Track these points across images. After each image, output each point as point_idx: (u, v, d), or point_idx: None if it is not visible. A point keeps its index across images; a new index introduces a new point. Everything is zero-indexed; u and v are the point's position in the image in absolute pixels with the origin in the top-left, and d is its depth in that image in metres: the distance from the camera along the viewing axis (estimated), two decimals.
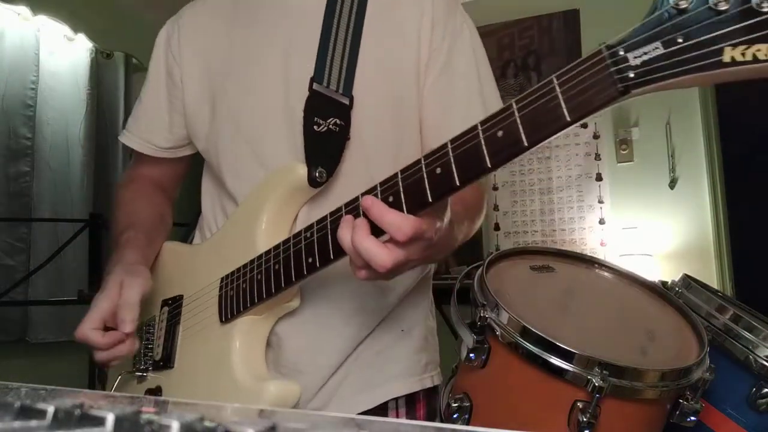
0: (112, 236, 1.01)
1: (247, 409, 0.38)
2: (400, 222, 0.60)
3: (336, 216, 0.69)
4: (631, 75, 0.45)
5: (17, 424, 0.28)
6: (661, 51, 0.43)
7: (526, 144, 0.52)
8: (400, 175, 0.62)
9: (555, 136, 0.52)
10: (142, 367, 0.98)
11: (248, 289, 0.82)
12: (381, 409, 0.91)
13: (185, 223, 1.99)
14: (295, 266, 0.75)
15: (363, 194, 0.65)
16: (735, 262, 2.95)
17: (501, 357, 0.92)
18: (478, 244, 3.34)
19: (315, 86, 0.82)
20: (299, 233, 0.75)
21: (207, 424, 0.26)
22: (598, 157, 3.13)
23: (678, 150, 2.98)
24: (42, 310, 2.79)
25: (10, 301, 2.54)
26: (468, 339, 0.93)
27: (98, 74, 3.21)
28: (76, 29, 3.12)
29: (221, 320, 0.86)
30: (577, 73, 0.49)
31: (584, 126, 3.16)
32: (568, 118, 0.49)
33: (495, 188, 3.33)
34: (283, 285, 0.77)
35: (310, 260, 0.72)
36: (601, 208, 3.10)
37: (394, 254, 0.61)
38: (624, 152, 3.07)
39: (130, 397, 0.42)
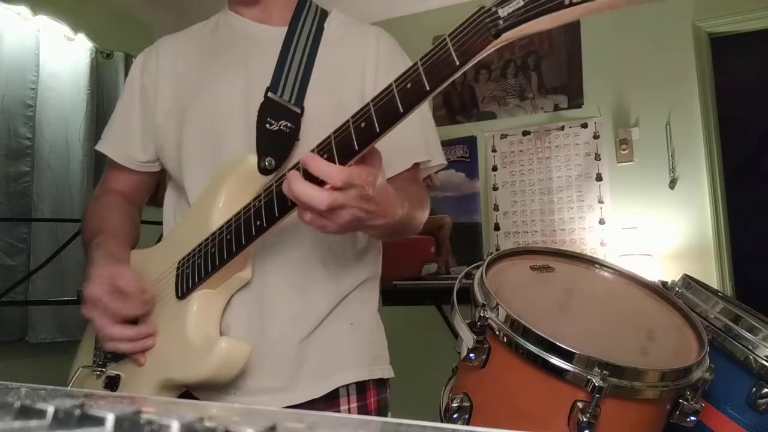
0: (84, 250, 1.06)
1: (247, 409, 0.38)
2: (334, 170, 0.71)
3: (280, 180, 0.78)
4: (501, 23, 0.59)
5: (17, 424, 0.28)
6: (521, 3, 0.58)
7: (428, 88, 0.65)
8: (332, 135, 0.74)
9: (450, 79, 0.65)
10: (100, 362, 1.02)
11: (202, 263, 0.89)
12: (333, 396, 0.97)
13: None
14: (245, 231, 0.83)
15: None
16: (735, 262, 2.94)
17: (501, 357, 0.92)
18: (478, 244, 3.34)
19: (270, 94, 0.94)
20: (248, 204, 0.84)
21: (207, 424, 0.26)
22: (598, 157, 3.13)
23: (678, 150, 2.97)
24: (42, 310, 2.79)
25: (10, 301, 2.54)
26: (468, 339, 0.93)
27: (98, 74, 3.20)
28: (76, 29, 3.12)
29: (178, 296, 0.93)
30: (463, 29, 0.62)
31: (584, 126, 3.16)
32: (458, 63, 0.62)
33: (495, 188, 3.33)
34: (234, 250, 0.85)
35: (258, 223, 0.81)
36: (601, 208, 3.10)
37: (332, 196, 0.71)
38: (624, 152, 3.07)
39: (130, 397, 0.42)
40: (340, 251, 1.00)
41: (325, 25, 1.04)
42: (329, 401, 0.97)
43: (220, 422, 0.26)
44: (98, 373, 1.01)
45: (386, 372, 1.06)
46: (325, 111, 0.95)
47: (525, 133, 3.29)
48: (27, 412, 0.29)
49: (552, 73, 3.30)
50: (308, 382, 0.96)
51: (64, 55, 3.05)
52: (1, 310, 2.62)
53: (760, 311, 1.16)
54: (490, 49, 0.61)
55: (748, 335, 1.02)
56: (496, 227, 3.31)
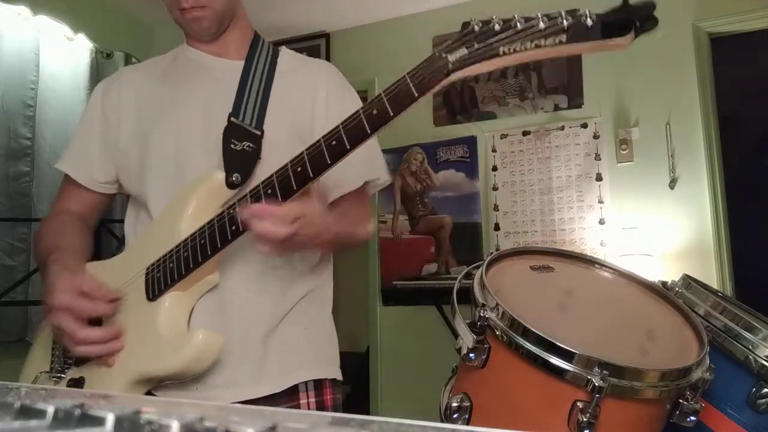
0: (39, 267, 1.13)
1: (247, 409, 0.38)
2: (285, 210, 0.86)
3: (255, 191, 0.91)
4: (450, 66, 0.78)
5: (17, 424, 0.28)
6: (465, 52, 0.77)
7: (391, 114, 0.81)
8: (305, 152, 0.87)
9: (410, 106, 0.81)
10: (59, 367, 1.06)
11: (175, 267, 0.97)
12: (293, 391, 1.06)
13: None
14: (220, 236, 0.93)
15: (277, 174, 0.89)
16: (735, 262, 2.94)
17: (501, 357, 0.92)
18: (478, 244, 3.34)
19: (232, 119, 1.06)
20: (221, 213, 0.94)
21: (207, 424, 0.26)
22: (598, 157, 3.12)
23: (678, 150, 2.97)
24: (42, 310, 2.79)
25: (10, 301, 2.54)
26: (468, 339, 0.93)
27: (98, 74, 3.20)
28: (76, 29, 3.12)
29: (149, 298, 0.99)
30: (420, 69, 0.80)
31: (584, 126, 3.16)
32: (416, 94, 0.80)
33: (495, 188, 3.33)
34: (209, 253, 0.94)
35: (234, 228, 0.91)
36: (601, 208, 3.09)
37: (285, 229, 0.86)
38: (624, 152, 3.06)
39: (130, 397, 0.42)
40: (296, 260, 1.11)
41: (278, 60, 1.17)
42: (290, 396, 1.06)
43: (220, 422, 0.26)
44: (57, 378, 1.06)
45: (339, 374, 1.15)
46: (281, 134, 1.07)
47: (525, 133, 3.29)
48: (27, 412, 0.29)
49: (552, 73, 3.30)
50: (270, 378, 1.04)
51: (64, 55, 3.05)
52: (1, 310, 2.62)
53: (760, 311, 1.16)
54: (442, 84, 0.79)
55: (747, 335, 1.02)
56: (496, 227, 3.31)
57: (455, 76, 0.78)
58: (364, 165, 1.14)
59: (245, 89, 1.10)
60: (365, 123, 0.82)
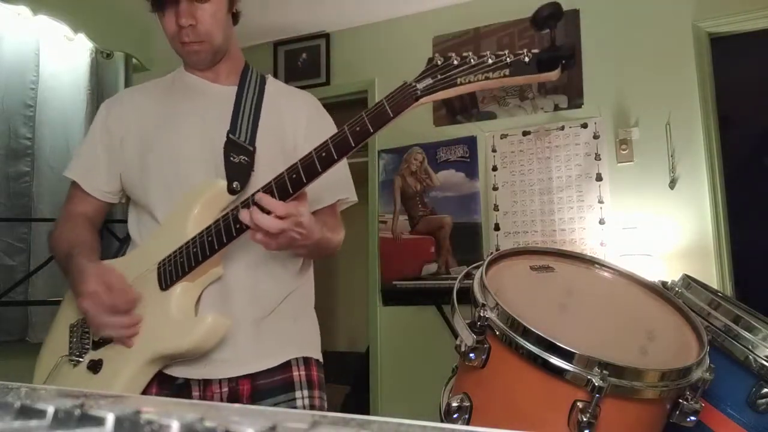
0: (60, 260, 1.28)
1: (247, 408, 0.38)
2: (280, 204, 1.02)
3: (257, 194, 1.06)
4: (419, 92, 0.96)
5: (17, 424, 0.28)
6: (430, 81, 0.95)
7: (371, 130, 0.99)
8: (299, 162, 1.03)
9: (387, 125, 0.99)
10: (77, 352, 1.20)
11: (185, 260, 1.13)
12: (286, 365, 1.25)
13: None
14: (225, 233, 1.09)
15: (264, 189, 1.06)
16: (735, 262, 2.94)
17: (501, 357, 0.92)
18: (478, 244, 3.34)
19: (230, 136, 1.23)
20: (226, 214, 1.10)
21: (207, 424, 0.26)
22: (598, 157, 3.12)
23: (678, 150, 2.97)
24: (42, 310, 2.78)
25: (10, 301, 2.54)
26: (468, 339, 0.93)
27: (98, 74, 3.20)
28: (76, 29, 3.11)
29: (161, 288, 1.15)
30: (395, 94, 0.98)
31: (584, 126, 3.16)
32: (391, 115, 0.98)
33: (495, 188, 3.33)
34: (216, 247, 1.10)
35: (237, 226, 1.07)
36: (601, 208, 3.09)
37: (281, 223, 1.02)
38: (624, 152, 3.06)
39: (130, 397, 0.42)
40: (287, 259, 1.28)
41: (266, 87, 1.35)
42: (284, 369, 1.24)
43: (220, 422, 0.26)
44: (76, 362, 1.20)
45: (321, 358, 1.34)
46: (270, 150, 1.26)
47: (525, 133, 3.29)
48: (27, 412, 0.29)
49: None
50: (266, 356, 1.23)
51: (64, 55, 3.05)
52: (1, 310, 2.62)
53: (760, 311, 1.16)
54: (412, 107, 0.97)
55: (748, 335, 1.02)
56: (496, 227, 3.31)
57: (423, 101, 0.96)
58: (338, 186, 1.35)
59: (239, 110, 1.28)
60: (350, 137, 1.00)
